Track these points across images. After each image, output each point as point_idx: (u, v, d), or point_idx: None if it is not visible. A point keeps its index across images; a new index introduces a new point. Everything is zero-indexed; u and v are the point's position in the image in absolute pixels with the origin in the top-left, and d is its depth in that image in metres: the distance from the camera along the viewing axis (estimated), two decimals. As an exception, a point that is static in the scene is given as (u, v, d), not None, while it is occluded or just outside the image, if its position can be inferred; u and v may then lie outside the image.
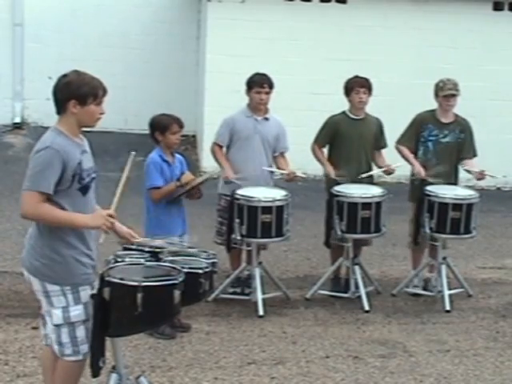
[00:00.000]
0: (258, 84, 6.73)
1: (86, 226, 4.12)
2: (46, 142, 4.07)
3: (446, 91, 6.98)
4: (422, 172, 6.93)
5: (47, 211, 4.02)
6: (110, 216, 4.11)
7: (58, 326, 4.16)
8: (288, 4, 11.49)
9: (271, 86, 6.77)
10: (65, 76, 4.15)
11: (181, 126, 6.11)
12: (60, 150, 4.03)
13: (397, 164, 7.06)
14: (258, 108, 6.78)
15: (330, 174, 6.94)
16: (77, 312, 4.15)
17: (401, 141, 7.16)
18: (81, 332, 4.17)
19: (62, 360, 4.23)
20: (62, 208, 4.06)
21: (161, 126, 6.08)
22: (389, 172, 7.04)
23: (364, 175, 6.87)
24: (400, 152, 7.15)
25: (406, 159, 7.11)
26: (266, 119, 6.84)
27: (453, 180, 7.13)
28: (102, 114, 4.19)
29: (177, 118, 6.14)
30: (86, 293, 4.16)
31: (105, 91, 4.18)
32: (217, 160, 6.85)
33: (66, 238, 4.11)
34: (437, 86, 7.07)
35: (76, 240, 4.14)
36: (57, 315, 4.14)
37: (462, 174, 7.31)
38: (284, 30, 11.44)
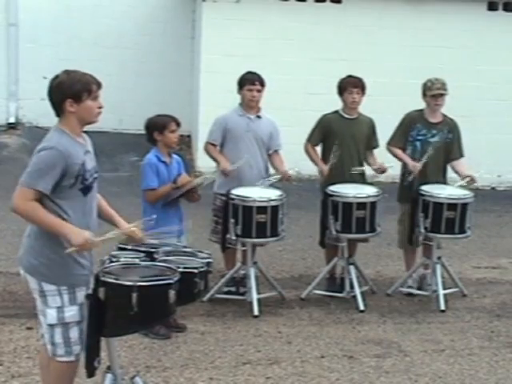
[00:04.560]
0: (250, 81, 6.74)
1: (66, 237, 4.00)
2: (52, 141, 4.06)
3: (434, 91, 6.98)
4: (416, 165, 6.93)
5: (35, 210, 3.99)
6: (88, 241, 4.00)
7: (51, 325, 4.16)
8: (282, 4, 11.50)
9: (262, 83, 6.78)
10: (56, 77, 4.15)
11: (178, 124, 6.15)
12: (64, 152, 4.02)
13: (390, 164, 7.07)
14: (249, 106, 6.78)
15: (324, 172, 6.94)
16: (71, 313, 4.15)
17: (391, 142, 7.16)
18: (74, 333, 4.17)
19: (54, 360, 4.23)
20: (61, 208, 4.05)
21: (159, 125, 6.09)
22: (381, 170, 7.04)
23: (354, 171, 6.89)
24: (391, 152, 7.16)
25: (399, 158, 7.11)
26: (259, 117, 6.85)
27: (441, 180, 7.12)
28: (100, 108, 4.18)
29: (173, 116, 6.18)
30: (81, 294, 4.16)
31: (99, 85, 4.17)
32: (212, 157, 6.85)
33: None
34: (425, 85, 7.07)
35: None
36: (51, 315, 4.14)
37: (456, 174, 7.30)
38: (279, 29, 11.45)
